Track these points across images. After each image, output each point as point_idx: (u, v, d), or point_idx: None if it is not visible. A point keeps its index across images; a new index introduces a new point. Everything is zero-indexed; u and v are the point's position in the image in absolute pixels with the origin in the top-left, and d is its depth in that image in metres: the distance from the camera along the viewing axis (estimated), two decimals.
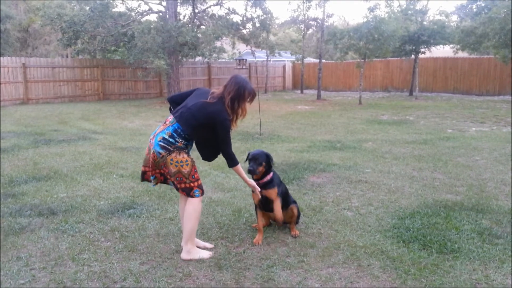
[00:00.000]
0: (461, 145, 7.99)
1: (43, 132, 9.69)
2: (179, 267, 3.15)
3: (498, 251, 3.35)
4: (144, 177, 3.41)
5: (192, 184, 3.25)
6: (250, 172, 3.56)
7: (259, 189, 3.57)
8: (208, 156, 3.49)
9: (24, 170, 6.04)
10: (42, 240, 3.62)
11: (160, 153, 3.20)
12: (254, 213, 4.10)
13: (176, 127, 3.22)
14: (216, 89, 3.35)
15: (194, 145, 3.46)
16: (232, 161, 3.34)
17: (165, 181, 3.40)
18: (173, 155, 3.19)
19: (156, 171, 3.34)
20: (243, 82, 3.32)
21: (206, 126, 3.25)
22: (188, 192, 3.26)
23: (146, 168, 3.36)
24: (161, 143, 3.19)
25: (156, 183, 3.40)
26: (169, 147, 3.19)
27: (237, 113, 3.32)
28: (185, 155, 3.23)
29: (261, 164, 3.57)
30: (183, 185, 3.24)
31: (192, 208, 3.27)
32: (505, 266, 3.13)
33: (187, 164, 3.21)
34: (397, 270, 3.07)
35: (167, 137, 3.20)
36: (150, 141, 3.30)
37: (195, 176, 3.28)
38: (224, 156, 3.34)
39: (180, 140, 3.21)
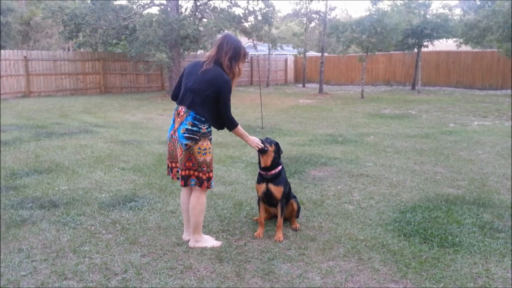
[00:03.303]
0: (463, 139, 7.97)
1: (44, 125, 9.69)
2: (180, 259, 3.16)
3: (499, 245, 3.35)
4: (172, 172, 3.42)
5: (210, 174, 3.27)
6: (261, 142, 3.51)
7: (261, 144, 3.46)
8: (222, 124, 3.37)
9: (25, 163, 6.05)
10: (43, 232, 3.63)
11: (186, 145, 3.16)
12: (255, 206, 4.12)
13: (194, 114, 3.17)
14: (208, 53, 3.29)
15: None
16: (233, 124, 3.30)
17: None
18: (200, 143, 3.18)
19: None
20: (238, 41, 3.28)
21: (213, 94, 3.16)
22: (206, 182, 3.25)
23: (173, 164, 3.38)
24: (185, 134, 3.16)
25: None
26: (195, 136, 3.16)
27: (234, 73, 3.26)
28: (209, 143, 3.23)
29: (270, 144, 3.54)
30: (202, 175, 3.22)
31: (196, 201, 3.30)
32: (506, 260, 3.13)
33: (210, 152, 3.24)
34: (397, 264, 3.07)
35: (189, 127, 3.16)
36: (172, 136, 3.29)
37: (212, 164, 3.31)
38: (225, 120, 3.27)
39: (202, 125, 3.18)
